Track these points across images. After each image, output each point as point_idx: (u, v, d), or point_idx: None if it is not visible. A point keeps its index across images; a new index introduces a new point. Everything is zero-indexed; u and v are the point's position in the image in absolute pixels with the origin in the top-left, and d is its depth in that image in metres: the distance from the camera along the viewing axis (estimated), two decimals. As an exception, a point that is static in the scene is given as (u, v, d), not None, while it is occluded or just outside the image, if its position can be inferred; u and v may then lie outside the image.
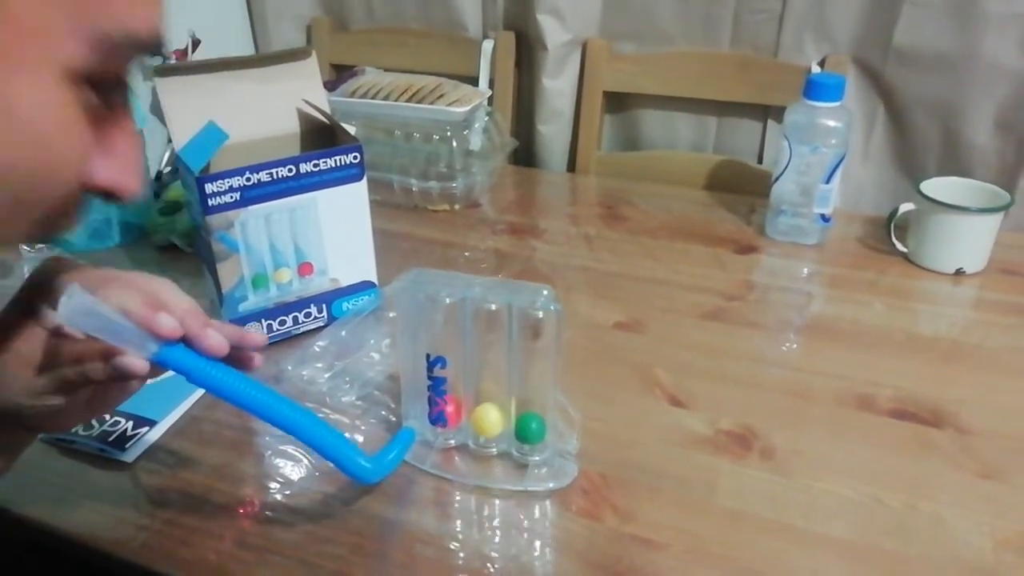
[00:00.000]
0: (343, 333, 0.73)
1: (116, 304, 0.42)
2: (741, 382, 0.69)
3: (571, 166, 1.21)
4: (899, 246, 0.89)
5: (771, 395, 0.67)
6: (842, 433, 0.63)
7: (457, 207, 1.03)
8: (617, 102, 1.18)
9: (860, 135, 1.04)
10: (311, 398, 0.67)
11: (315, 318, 0.75)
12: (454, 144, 0.99)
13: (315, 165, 0.69)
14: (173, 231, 0.92)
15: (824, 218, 0.91)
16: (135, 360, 0.42)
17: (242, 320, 0.71)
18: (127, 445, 0.60)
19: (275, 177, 0.67)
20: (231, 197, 0.66)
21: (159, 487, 0.58)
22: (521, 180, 1.17)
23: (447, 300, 0.54)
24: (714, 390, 0.68)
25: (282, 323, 0.74)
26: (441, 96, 1.01)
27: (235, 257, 0.69)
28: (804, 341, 0.76)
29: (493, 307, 0.54)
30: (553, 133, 1.19)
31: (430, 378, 0.57)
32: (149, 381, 0.46)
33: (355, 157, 0.71)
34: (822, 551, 0.52)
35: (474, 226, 0.99)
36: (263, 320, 0.72)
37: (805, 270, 0.89)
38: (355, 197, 0.72)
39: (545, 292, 0.54)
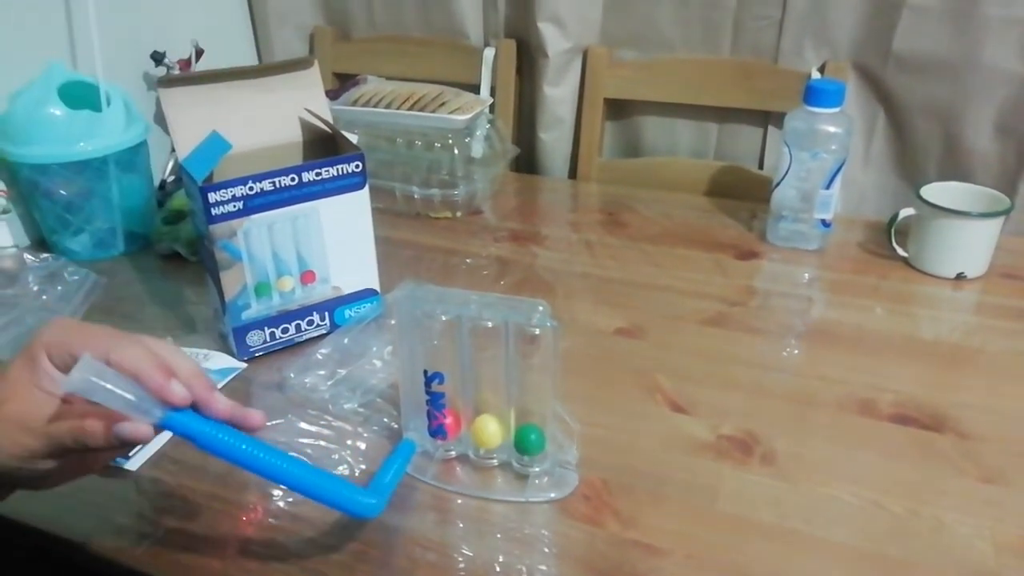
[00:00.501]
0: (345, 341, 0.73)
1: (130, 367, 0.42)
2: (743, 388, 0.69)
3: (572, 173, 1.22)
4: (900, 251, 0.89)
5: (773, 400, 0.67)
6: (843, 438, 0.63)
7: (459, 214, 1.04)
8: (618, 109, 1.19)
9: (860, 140, 1.04)
10: (313, 405, 0.67)
11: (318, 326, 0.76)
12: (456, 152, 0.99)
13: (317, 174, 0.69)
14: (177, 240, 0.93)
15: (825, 223, 0.91)
16: (139, 427, 0.42)
17: (245, 328, 0.72)
18: (131, 453, 0.61)
19: (278, 186, 0.68)
20: (234, 206, 0.67)
21: (163, 494, 0.58)
22: (523, 187, 1.17)
23: (443, 317, 0.54)
24: (715, 396, 0.68)
25: (284, 331, 0.74)
26: (443, 104, 1.01)
27: (238, 265, 0.69)
28: (805, 346, 0.76)
29: (490, 324, 0.54)
30: (554, 140, 1.19)
31: (428, 393, 0.57)
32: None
33: (357, 166, 0.71)
34: (824, 556, 0.52)
35: (476, 233, 1.00)
36: (266, 328, 0.73)
37: (806, 275, 0.89)
38: (357, 205, 0.73)
39: (540, 308, 0.54)
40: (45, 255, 0.89)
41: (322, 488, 0.50)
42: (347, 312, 0.77)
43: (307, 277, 0.73)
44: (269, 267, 0.71)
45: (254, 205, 0.68)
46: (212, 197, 0.65)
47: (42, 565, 0.61)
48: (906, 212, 0.87)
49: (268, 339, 0.74)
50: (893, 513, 0.55)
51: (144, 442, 0.43)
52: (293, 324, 0.74)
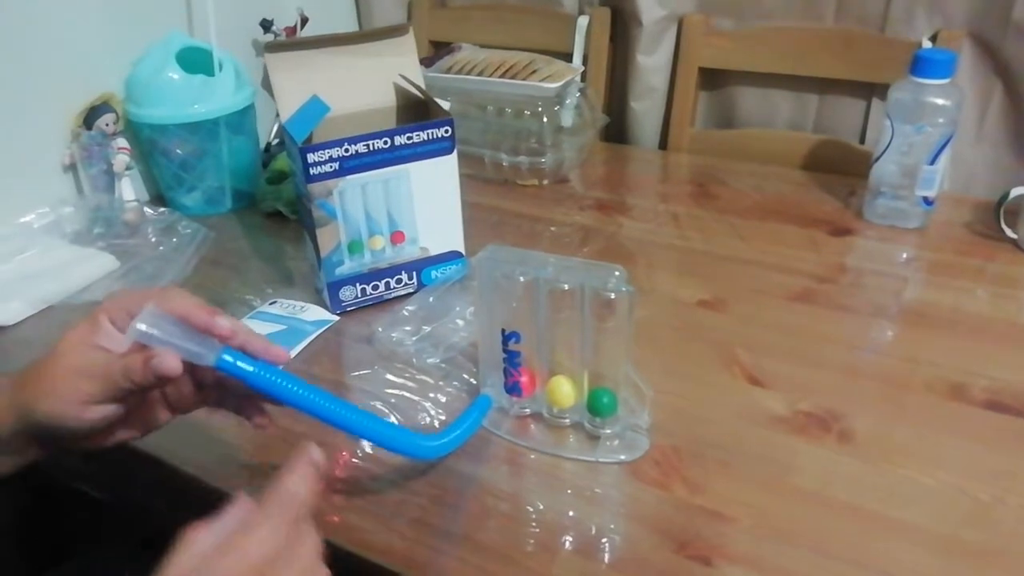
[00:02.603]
0: (431, 299, 0.77)
1: (180, 309, 0.46)
2: (825, 365, 0.68)
3: (663, 143, 1.20)
4: (1009, 232, 0.84)
5: (855, 379, 0.66)
6: (929, 422, 0.61)
7: (546, 182, 1.05)
8: (713, 78, 1.16)
9: (974, 114, 0.98)
10: (399, 359, 0.70)
11: (405, 284, 0.79)
12: (545, 120, 1.00)
13: (409, 138, 0.72)
14: (279, 199, 0.98)
15: (927, 201, 0.87)
16: (167, 359, 0.44)
17: (338, 283, 0.76)
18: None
19: (371, 149, 0.71)
20: (331, 167, 0.70)
21: (261, 432, 0.63)
22: (611, 156, 1.17)
23: (521, 279, 0.56)
24: (796, 372, 0.67)
25: (375, 287, 0.78)
26: (534, 72, 1.02)
27: (333, 224, 0.73)
28: (896, 327, 0.73)
29: (566, 287, 0.55)
30: (646, 109, 1.18)
31: (505, 351, 0.59)
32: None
33: (447, 131, 0.73)
34: (896, 536, 0.51)
35: (561, 201, 1.01)
36: (357, 284, 0.77)
37: (904, 255, 0.86)
38: (446, 170, 0.75)
39: (617, 273, 0.55)
40: (162, 209, 0.96)
41: (381, 434, 0.52)
42: (433, 272, 0.80)
43: (397, 237, 0.76)
44: (362, 226, 0.74)
45: (349, 166, 0.71)
46: (311, 157, 0.69)
47: (157, 490, 0.67)
48: (1018, 191, 0.82)
49: (359, 295, 0.77)
50: (976, 499, 0.54)
51: (170, 374, 0.44)
52: (383, 282, 0.78)
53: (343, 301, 0.77)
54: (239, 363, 0.46)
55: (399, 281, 0.79)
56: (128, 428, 0.50)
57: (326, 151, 0.69)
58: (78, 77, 0.96)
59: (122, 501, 0.76)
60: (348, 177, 0.71)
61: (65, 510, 0.87)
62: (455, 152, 0.75)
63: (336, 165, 0.70)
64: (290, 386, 0.48)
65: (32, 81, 0.91)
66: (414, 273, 0.79)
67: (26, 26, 0.90)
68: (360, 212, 0.74)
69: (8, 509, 0.87)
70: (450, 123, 0.73)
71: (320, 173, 0.70)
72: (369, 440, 0.53)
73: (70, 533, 0.88)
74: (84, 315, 0.48)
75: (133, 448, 0.61)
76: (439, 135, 0.73)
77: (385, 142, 0.71)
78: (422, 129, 0.72)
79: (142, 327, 0.44)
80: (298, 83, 0.73)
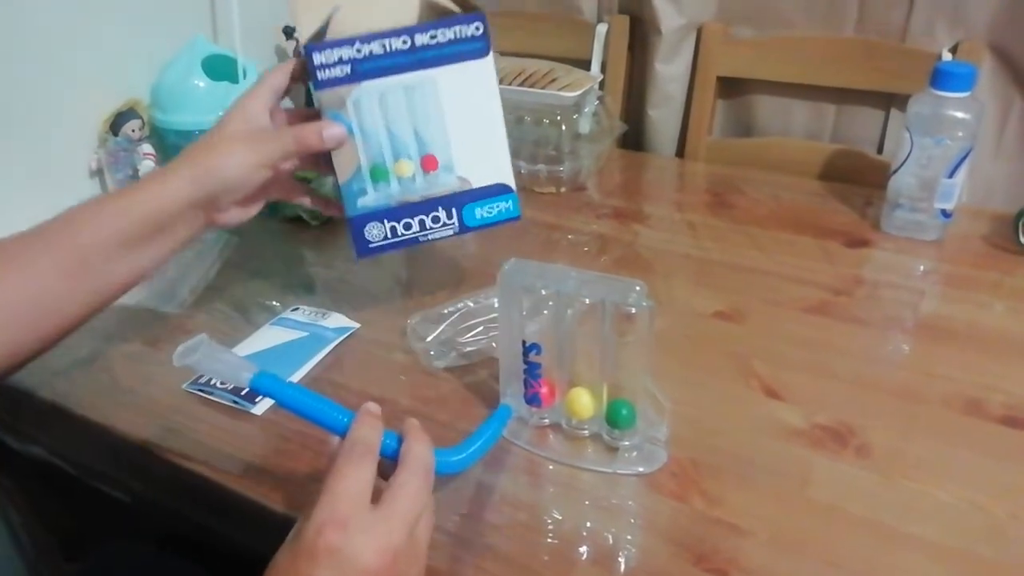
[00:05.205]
0: (471, 304, 0.74)
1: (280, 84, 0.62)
2: (841, 378, 0.68)
3: (680, 151, 1.21)
4: (1027, 246, 0.84)
5: (872, 393, 0.66)
6: (946, 437, 0.61)
7: (563, 190, 1.05)
8: (731, 87, 1.16)
9: (993, 127, 0.98)
10: (420, 365, 0.71)
11: (444, 224, 0.68)
12: (563, 128, 1.01)
13: (432, 36, 0.63)
14: (299, 205, 0.98)
15: (945, 214, 0.87)
16: (337, 130, 0.62)
17: (363, 219, 0.67)
18: (256, 400, 0.67)
19: (388, 49, 0.63)
20: (341, 70, 0.63)
21: (282, 437, 0.64)
22: (629, 164, 1.18)
23: (543, 292, 0.57)
24: (812, 384, 0.67)
25: (407, 227, 0.67)
26: (553, 80, 1.03)
27: (350, 143, 0.65)
28: (913, 340, 0.74)
29: (587, 301, 0.56)
30: (663, 117, 1.19)
31: (526, 363, 0.59)
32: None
33: (478, 28, 0.64)
34: (911, 551, 0.52)
35: (579, 209, 1.01)
36: (385, 221, 0.67)
37: (921, 267, 0.86)
38: (481, 77, 0.65)
39: (638, 288, 0.55)
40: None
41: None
42: (477, 210, 0.68)
43: (428, 163, 0.66)
44: (384, 146, 0.65)
45: (363, 70, 0.63)
46: (317, 58, 0.62)
47: (176, 493, 0.69)
48: (1037, 205, 0.82)
49: (389, 234, 0.67)
50: (992, 515, 0.54)
51: (343, 141, 0.64)
52: (416, 219, 0.67)
53: (370, 242, 0.67)
54: (271, 384, 0.50)
55: (436, 220, 0.67)
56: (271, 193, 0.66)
57: (335, 51, 0.62)
58: (105, 83, 0.98)
59: (143, 502, 0.78)
60: (363, 83, 0.63)
61: (86, 508, 0.88)
62: (491, 55, 0.65)
63: (348, 68, 0.62)
64: (314, 404, 0.50)
65: (59, 87, 0.93)
66: (453, 210, 0.67)
67: (53, 32, 0.92)
68: (381, 128, 0.65)
69: (31, 505, 0.89)
70: (481, 18, 0.63)
71: (330, 78, 0.62)
72: (395, 460, 0.54)
73: (91, 529, 0.90)
74: (110, 320, 0.51)
75: (154, 450, 0.63)
76: (468, 33, 0.63)
77: (404, 42, 0.63)
78: (447, 26, 0.62)
79: (195, 356, 0.48)
80: (320, 2, 0.67)
